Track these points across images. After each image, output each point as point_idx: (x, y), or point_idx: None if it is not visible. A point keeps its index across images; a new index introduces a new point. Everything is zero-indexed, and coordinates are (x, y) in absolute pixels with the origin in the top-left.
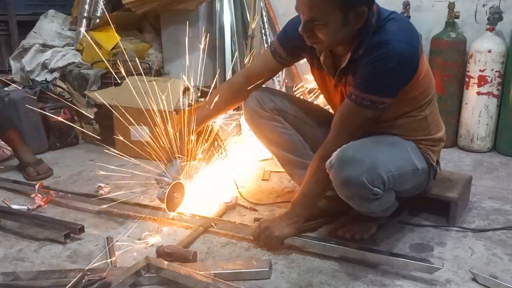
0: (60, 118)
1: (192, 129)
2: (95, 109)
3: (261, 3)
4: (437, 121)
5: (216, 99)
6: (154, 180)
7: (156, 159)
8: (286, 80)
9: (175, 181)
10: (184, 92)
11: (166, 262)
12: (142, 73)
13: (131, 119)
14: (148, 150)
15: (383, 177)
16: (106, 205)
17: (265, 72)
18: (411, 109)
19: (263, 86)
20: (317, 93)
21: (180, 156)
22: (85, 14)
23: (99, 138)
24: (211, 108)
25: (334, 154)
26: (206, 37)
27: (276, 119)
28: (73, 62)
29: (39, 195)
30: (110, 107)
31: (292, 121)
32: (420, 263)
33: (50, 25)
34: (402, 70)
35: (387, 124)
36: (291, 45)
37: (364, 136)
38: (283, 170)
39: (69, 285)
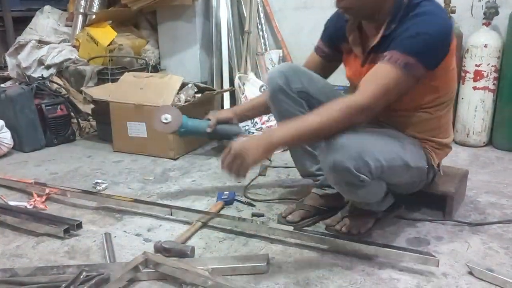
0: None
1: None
2: (92, 106)
3: None
4: (447, 126)
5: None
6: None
7: None
8: None
9: (170, 105)
10: (181, 88)
11: (164, 258)
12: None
13: (127, 115)
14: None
15: (370, 165)
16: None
17: (312, 69)
18: (431, 101)
19: (292, 63)
20: None
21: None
22: (81, 10)
23: (96, 134)
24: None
25: (326, 140)
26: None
27: (298, 103)
28: (70, 58)
29: (37, 198)
30: (106, 103)
31: (313, 107)
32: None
33: (46, 21)
34: (442, 40)
35: (402, 114)
36: (329, 37)
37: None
38: (281, 165)
39: (68, 281)
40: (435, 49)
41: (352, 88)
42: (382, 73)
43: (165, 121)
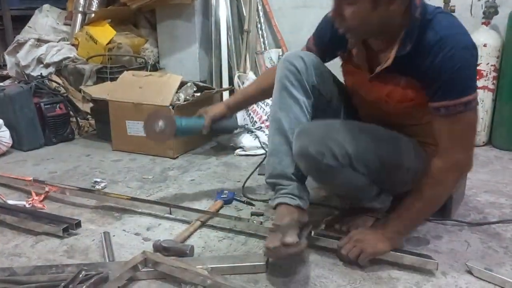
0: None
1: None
2: (91, 104)
3: None
4: None
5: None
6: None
7: None
8: None
9: (164, 109)
10: (180, 87)
11: (163, 257)
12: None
13: (126, 114)
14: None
15: (333, 150)
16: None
17: None
18: None
19: (312, 54)
20: None
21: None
22: (80, 9)
23: (95, 133)
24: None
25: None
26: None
27: (309, 97)
28: (69, 57)
29: (35, 198)
30: (105, 102)
31: (321, 107)
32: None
33: (45, 20)
34: (474, 60)
35: (412, 127)
36: (323, 43)
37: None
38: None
39: (67, 280)
40: (474, 73)
41: (356, 97)
42: (450, 129)
43: (158, 129)
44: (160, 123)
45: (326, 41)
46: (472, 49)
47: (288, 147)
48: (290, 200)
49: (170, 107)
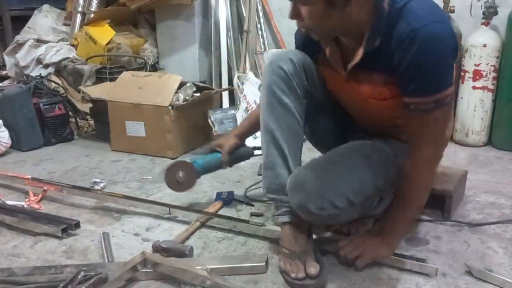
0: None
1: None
2: (90, 105)
3: None
4: None
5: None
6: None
7: None
8: None
9: (185, 160)
10: (179, 87)
11: (162, 257)
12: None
13: (126, 114)
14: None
15: (334, 202)
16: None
17: None
18: None
19: (301, 52)
20: None
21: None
22: (80, 9)
23: (94, 133)
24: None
25: (292, 174)
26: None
27: (300, 101)
28: (68, 57)
29: (32, 198)
30: (105, 103)
31: (314, 110)
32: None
33: (44, 20)
34: (449, 54)
35: (398, 125)
36: (302, 48)
37: (358, 135)
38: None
39: (66, 281)
40: (450, 67)
41: (340, 101)
42: (420, 124)
43: (180, 180)
44: (181, 173)
45: (304, 47)
46: (447, 40)
47: (284, 159)
48: (295, 218)
49: (170, 107)
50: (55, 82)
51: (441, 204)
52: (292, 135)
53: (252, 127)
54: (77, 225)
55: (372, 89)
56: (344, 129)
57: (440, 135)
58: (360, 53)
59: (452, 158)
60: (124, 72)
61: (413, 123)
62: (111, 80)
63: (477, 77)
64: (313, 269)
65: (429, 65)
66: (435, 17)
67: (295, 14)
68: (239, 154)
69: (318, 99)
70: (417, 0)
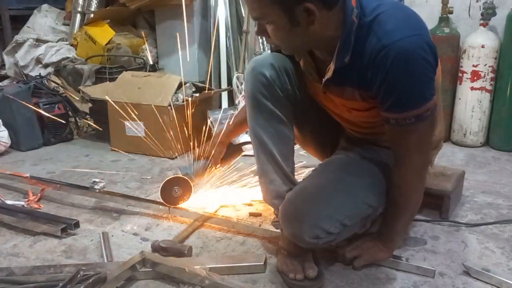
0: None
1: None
2: (90, 105)
3: None
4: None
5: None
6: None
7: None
8: None
9: (180, 175)
10: (178, 88)
11: (161, 257)
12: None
13: (125, 114)
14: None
15: (327, 229)
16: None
17: None
18: None
19: (282, 56)
20: None
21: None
22: (79, 9)
23: (93, 133)
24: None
25: (284, 202)
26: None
27: (284, 105)
28: (68, 57)
29: (31, 198)
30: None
31: (301, 112)
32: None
33: (43, 20)
34: (425, 67)
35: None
36: None
37: (349, 146)
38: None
39: (65, 280)
40: (428, 81)
41: (326, 109)
42: (401, 138)
43: (176, 195)
44: (176, 189)
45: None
46: (421, 53)
47: (275, 164)
48: None
49: (169, 107)
50: (54, 82)
51: (439, 204)
52: (281, 139)
53: (234, 131)
54: (77, 224)
55: (351, 102)
56: (333, 130)
57: (425, 144)
58: (331, 68)
59: (450, 158)
60: (124, 72)
61: (396, 136)
62: (111, 80)
63: (475, 78)
64: (312, 271)
65: (404, 81)
66: (408, 31)
67: (261, 31)
68: (229, 156)
69: (304, 101)
70: (389, 10)
